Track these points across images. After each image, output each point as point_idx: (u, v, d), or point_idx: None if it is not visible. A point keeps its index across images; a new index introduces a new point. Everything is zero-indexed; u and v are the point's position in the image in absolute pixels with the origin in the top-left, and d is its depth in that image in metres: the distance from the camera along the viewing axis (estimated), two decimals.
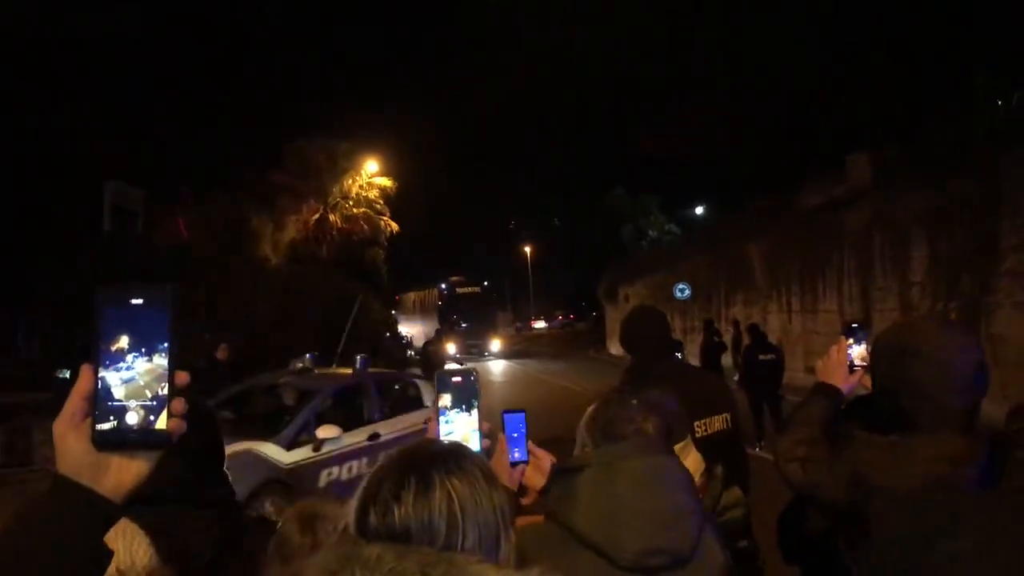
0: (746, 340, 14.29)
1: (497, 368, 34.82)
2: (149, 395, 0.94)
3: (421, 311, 50.40)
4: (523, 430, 2.07)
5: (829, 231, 19.66)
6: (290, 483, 7.60)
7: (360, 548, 0.87)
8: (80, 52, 21.04)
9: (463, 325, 42.73)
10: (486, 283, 50.81)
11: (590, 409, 1.96)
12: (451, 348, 39.04)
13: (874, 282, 17.68)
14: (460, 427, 1.62)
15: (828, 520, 2.06)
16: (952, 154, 15.11)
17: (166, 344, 0.94)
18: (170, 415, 0.95)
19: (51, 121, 17.67)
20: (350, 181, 33.20)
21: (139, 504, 1.66)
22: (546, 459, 2.10)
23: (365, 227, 33.43)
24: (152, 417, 0.94)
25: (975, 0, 22.62)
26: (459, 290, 47.27)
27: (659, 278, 33.01)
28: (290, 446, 7.94)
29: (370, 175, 33.83)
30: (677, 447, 2.13)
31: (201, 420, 2.19)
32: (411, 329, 44.25)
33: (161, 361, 0.94)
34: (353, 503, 1.08)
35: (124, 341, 0.93)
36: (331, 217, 32.41)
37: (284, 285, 19.09)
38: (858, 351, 2.32)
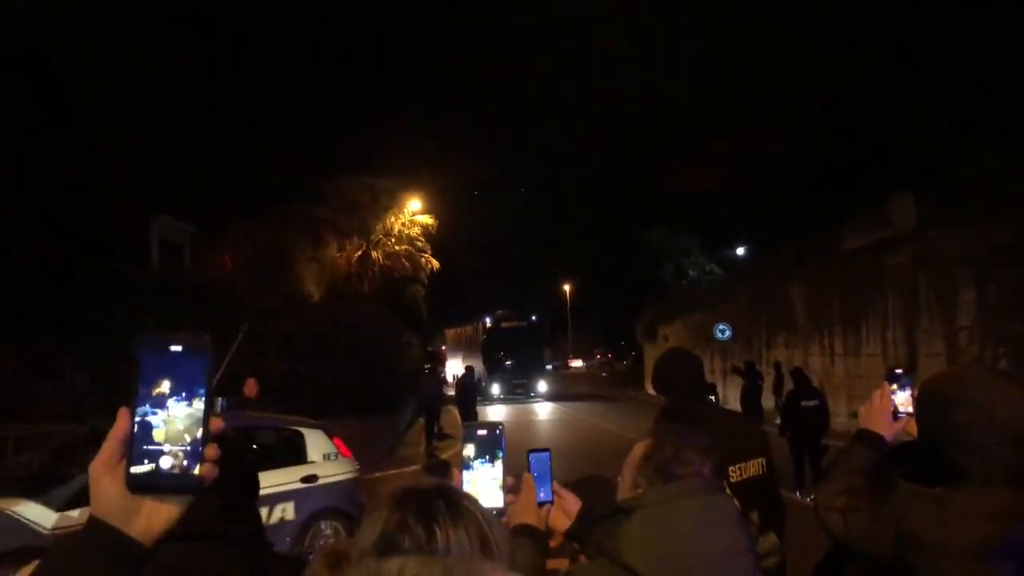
0: (789, 384, 13.83)
1: (543, 410, 33.14)
2: (184, 440, 0.96)
3: (466, 347, 46.24)
4: (548, 470, 2.05)
5: (872, 272, 19.38)
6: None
7: (382, 564, 0.87)
8: (129, 87, 21.74)
9: (508, 363, 39.27)
10: (534, 317, 45.27)
11: (640, 449, 1.96)
12: (495, 388, 38.44)
13: (919, 325, 17.35)
14: (482, 479, 1.61)
15: (869, 574, 1.99)
16: (999, 194, 14.86)
17: (203, 390, 0.97)
18: (203, 460, 0.96)
19: (101, 155, 18.21)
20: (393, 218, 33.59)
21: (164, 541, 1.69)
22: (571, 501, 2.06)
23: (407, 264, 33.73)
24: (186, 462, 0.96)
25: (1022, 39, 22.37)
26: (504, 324, 41.65)
27: (699, 318, 32.74)
28: (66, 506, 6.67)
29: (412, 213, 34.21)
30: None
31: (229, 457, 2.22)
32: (454, 366, 43.33)
33: (198, 407, 0.96)
34: (368, 540, 1.07)
35: (164, 386, 0.96)
36: (373, 254, 32.76)
37: (325, 320, 19.27)
38: (902, 397, 2.27)
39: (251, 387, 11.96)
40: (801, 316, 23.85)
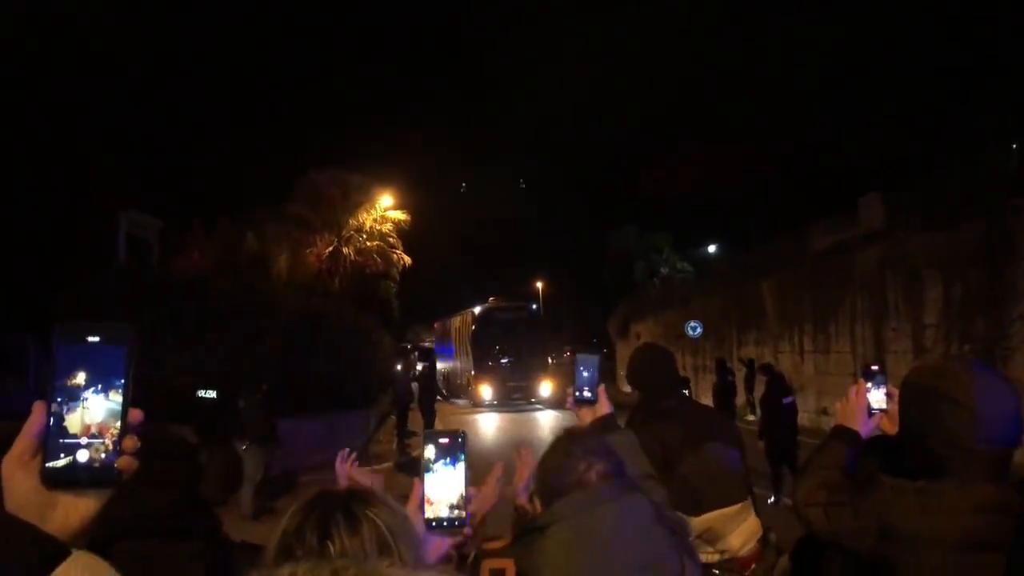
0: (760, 382, 13.12)
1: (547, 423, 25.12)
2: (102, 433, 0.93)
3: (456, 342, 36.93)
4: (597, 372, 2.50)
5: (841, 272, 19.61)
6: None
7: (274, 571, 0.83)
8: (96, 83, 21.39)
9: (504, 360, 31.10)
10: (534, 305, 37.38)
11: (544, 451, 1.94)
12: (485, 391, 30.08)
13: (887, 324, 17.59)
14: (444, 483, 1.56)
15: (850, 568, 1.99)
16: (965, 197, 15.10)
17: (122, 381, 0.94)
18: (122, 452, 0.94)
19: (68, 150, 17.90)
20: (364, 214, 33.42)
21: (125, 538, 1.65)
22: (605, 406, 2.41)
23: (378, 260, 33.58)
24: (104, 455, 0.93)
25: (989, 47, 22.75)
26: (497, 313, 32.92)
27: (671, 316, 32.94)
28: None
29: (384, 209, 34.06)
30: (734, 508, 2.11)
31: (183, 452, 2.20)
32: (446, 363, 37.52)
33: (116, 398, 0.93)
34: (269, 550, 1.07)
35: (80, 377, 0.93)
36: (344, 250, 32.57)
37: (295, 317, 19.10)
38: (876, 395, 2.28)
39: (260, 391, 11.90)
40: (771, 314, 24.07)
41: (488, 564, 1.97)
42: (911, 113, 22.98)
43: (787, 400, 11.27)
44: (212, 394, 12.60)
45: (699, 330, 25.30)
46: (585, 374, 2.46)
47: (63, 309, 13.34)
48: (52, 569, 0.92)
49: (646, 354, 3.76)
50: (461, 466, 1.57)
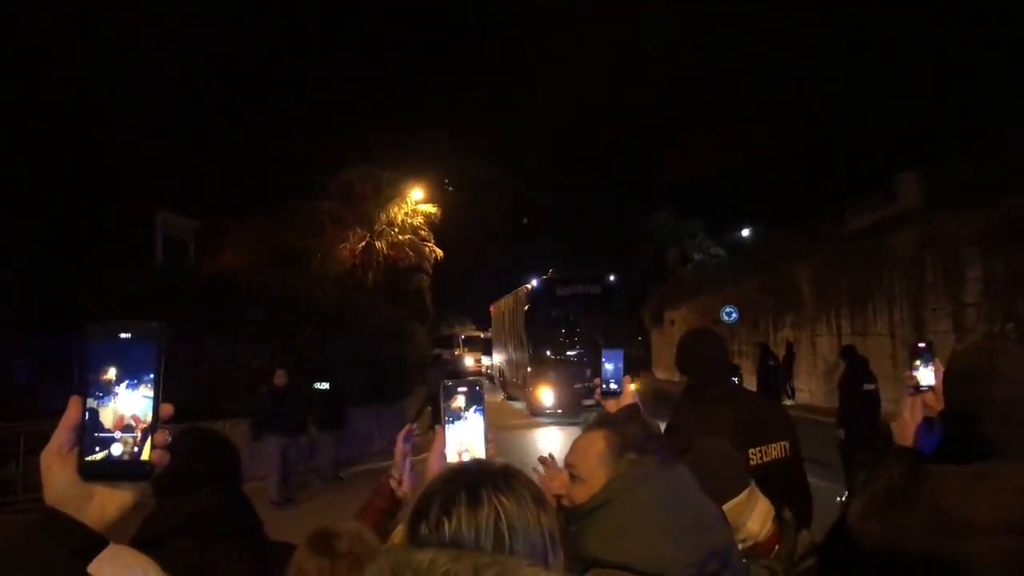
0: (841, 366, 11.32)
1: None
2: (134, 427, 0.96)
3: (508, 329, 29.28)
4: (620, 365, 2.69)
5: (879, 252, 19.32)
6: None
7: (412, 554, 0.87)
8: (131, 84, 21.72)
9: (570, 353, 22.30)
10: (611, 276, 24.51)
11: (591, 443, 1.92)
12: (545, 396, 21.58)
13: (926, 304, 17.30)
14: (465, 432, 1.62)
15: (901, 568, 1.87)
16: (1005, 173, 14.77)
17: (152, 377, 0.97)
18: (153, 446, 0.97)
19: (104, 151, 18.20)
20: (396, 208, 33.56)
21: (174, 538, 1.69)
22: (629, 397, 2.62)
23: (410, 254, 33.72)
24: (137, 448, 0.96)
25: None
26: (562, 289, 23.70)
27: (705, 302, 32.70)
28: None
29: (415, 202, 34.17)
30: (743, 496, 2.10)
31: (224, 446, 2.23)
32: (503, 356, 31.90)
33: (147, 393, 0.97)
34: (405, 517, 1.10)
35: (112, 373, 0.96)
36: (377, 244, 32.75)
37: (331, 312, 19.30)
38: (925, 373, 2.25)
39: (280, 377, 12.11)
40: (808, 297, 23.80)
41: None
42: (948, 87, 22.51)
43: (868, 387, 10.05)
44: (325, 386, 13.53)
45: (735, 315, 25.06)
46: (610, 367, 2.70)
47: (103, 311, 13.59)
48: (90, 559, 0.96)
49: (696, 339, 3.70)
50: (480, 415, 1.62)
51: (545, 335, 22.78)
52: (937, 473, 1.84)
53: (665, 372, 36.82)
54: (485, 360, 43.57)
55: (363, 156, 33.24)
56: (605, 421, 1.98)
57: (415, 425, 2.72)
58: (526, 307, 24.31)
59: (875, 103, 25.95)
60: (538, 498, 1.13)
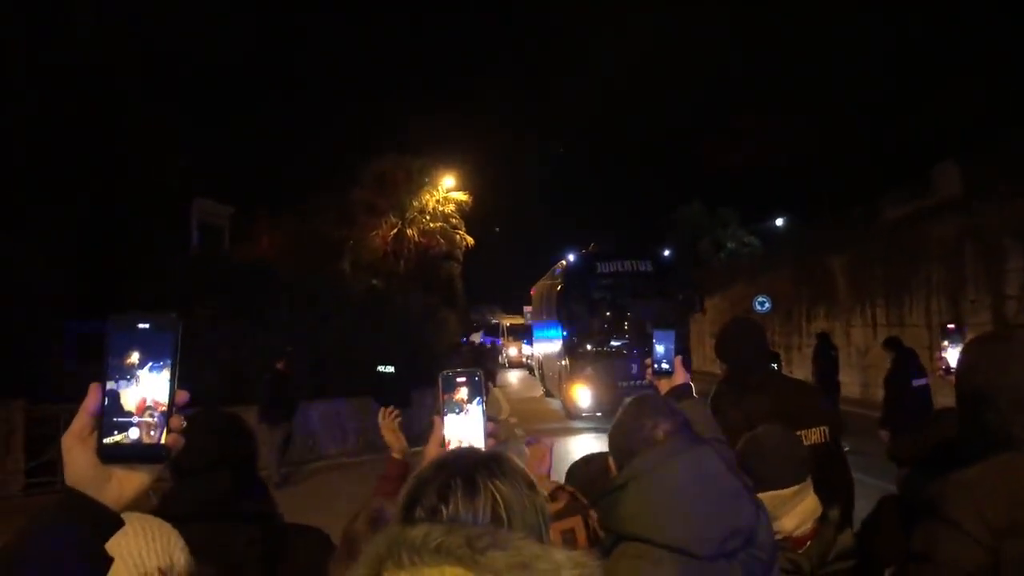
0: (887, 360, 10.36)
1: None
2: (151, 412, 1.01)
3: (546, 314, 24.40)
4: (673, 345, 2.67)
5: (916, 243, 19.00)
6: None
7: (407, 530, 0.88)
8: (167, 73, 21.96)
9: (613, 344, 18.31)
10: (666, 251, 20.83)
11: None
12: (582, 395, 17.81)
13: (965, 295, 17.00)
14: (465, 422, 1.61)
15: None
16: None
17: (169, 364, 1.02)
18: (169, 431, 1.02)
19: (141, 138, 18.46)
20: (427, 196, 33.68)
21: (189, 521, 1.72)
22: (681, 376, 2.58)
23: (442, 241, 33.84)
24: (153, 432, 1.01)
25: None
26: (604, 268, 19.62)
27: (738, 291, 32.41)
28: None
29: (446, 190, 34.26)
30: (792, 490, 2.09)
31: (240, 430, 2.26)
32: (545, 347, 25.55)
33: (164, 380, 1.02)
34: (397, 506, 1.11)
35: (132, 360, 1.01)
36: (408, 232, 32.91)
37: (363, 299, 19.44)
38: (954, 354, 2.22)
39: (282, 363, 12.54)
40: (842, 287, 23.50)
41: (557, 527, 2.00)
42: (988, 77, 22.01)
43: (919, 382, 9.12)
44: (391, 369, 13.66)
45: (767, 305, 24.78)
46: (661, 348, 2.68)
47: (142, 297, 13.82)
48: (108, 537, 1.02)
49: (736, 327, 3.75)
50: (479, 405, 1.62)
51: (582, 322, 18.61)
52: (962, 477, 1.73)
53: (696, 362, 36.56)
54: (526, 350, 39.37)
55: (395, 143, 33.41)
56: (638, 401, 2.03)
57: (394, 409, 2.87)
58: (559, 288, 19.97)
59: (913, 91, 25.46)
60: (529, 482, 1.14)
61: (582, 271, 19.49)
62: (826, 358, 14.67)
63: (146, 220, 17.65)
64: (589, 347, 18.25)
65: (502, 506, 1.08)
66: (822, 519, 2.18)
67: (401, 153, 32.97)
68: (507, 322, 49.24)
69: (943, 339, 2.21)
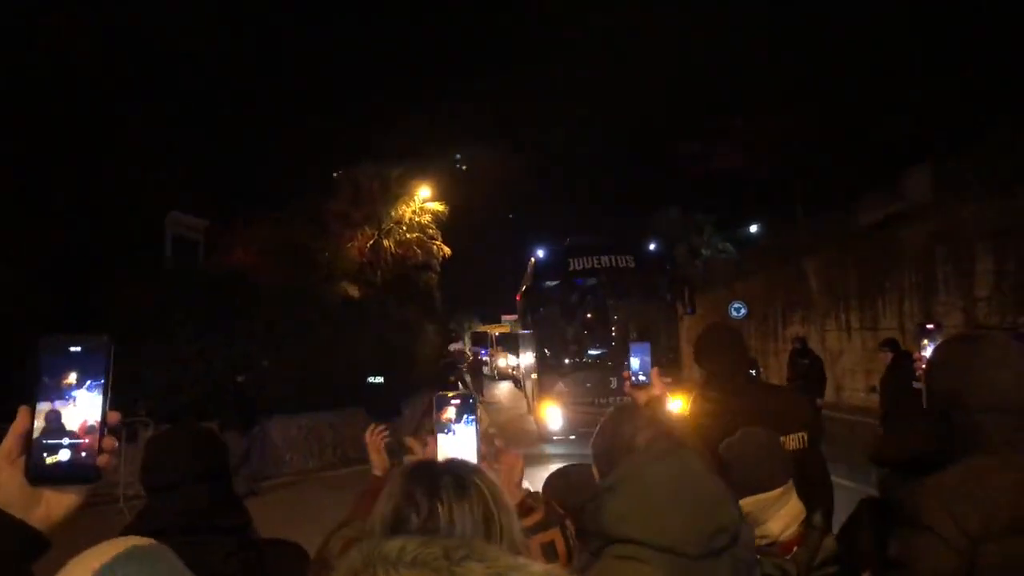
0: (887, 361, 10.00)
1: None
2: (84, 434, 1.01)
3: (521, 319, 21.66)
4: (648, 357, 2.81)
5: (888, 247, 19.25)
6: None
7: (383, 544, 0.87)
8: (138, 84, 21.80)
9: (592, 353, 15.36)
10: (652, 245, 16.66)
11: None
12: (552, 416, 14.84)
13: (937, 298, 17.23)
14: (461, 442, 1.64)
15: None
16: (1018, 164, 14.69)
17: (101, 386, 1.03)
18: (102, 451, 1.02)
19: (113, 151, 18.29)
20: (403, 207, 33.62)
21: (165, 535, 1.71)
22: (659, 388, 2.76)
23: (418, 252, 33.77)
24: (84, 454, 1.01)
25: None
26: (577, 264, 15.59)
27: (714, 297, 32.61)
28: None
29: (423, 200, 34.22)
30: (776, 492, 2.11)
31: (214, 444, 2.25)
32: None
33: (96, 401, 1.02)
34: (379, 514, 1.11)
35: (63, 382, 1.02)
36: (385, 242, 32.82)
37: (340, 310, 19.34)
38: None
39: (242, 376, 13.00)
40: (816, 292, 23.73)
41: (536, 539, 2.02)
42: (958, 81, 22.35)
43: (919, 384, 8.65)
44: (380, 379, 14.03)
45: (743, 311, 24.99)
46: (637, 360, 2.84)
47: (115, 311, 13.66)
48: (34, 559, 1.02)
49: (713, 334, 3.79)
50: (473, 427, 1.65)
51: (552, 329, 15.65)
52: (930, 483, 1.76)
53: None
54: (512, 361, 36.60)
55: (371, 154, 33.33)
56: (620, 410, 2.10)
57: (382, 427, 2.93)
58: (524, 289, 17.35)
59: (884, 96, 25.78)
60: (498, 499, 1.14)
61: (551, 269, 16.09)
62: (797, 367, 13.78)
63: (120, 235, 17.47)
64: (560, 358, 15.30)
65: (491, 500, 1.10)
66: (807, 524, 2.20)
67: (376, 163, 32.92)
68: (496, 331, 48.07)
69: (922, 338, 2.24)
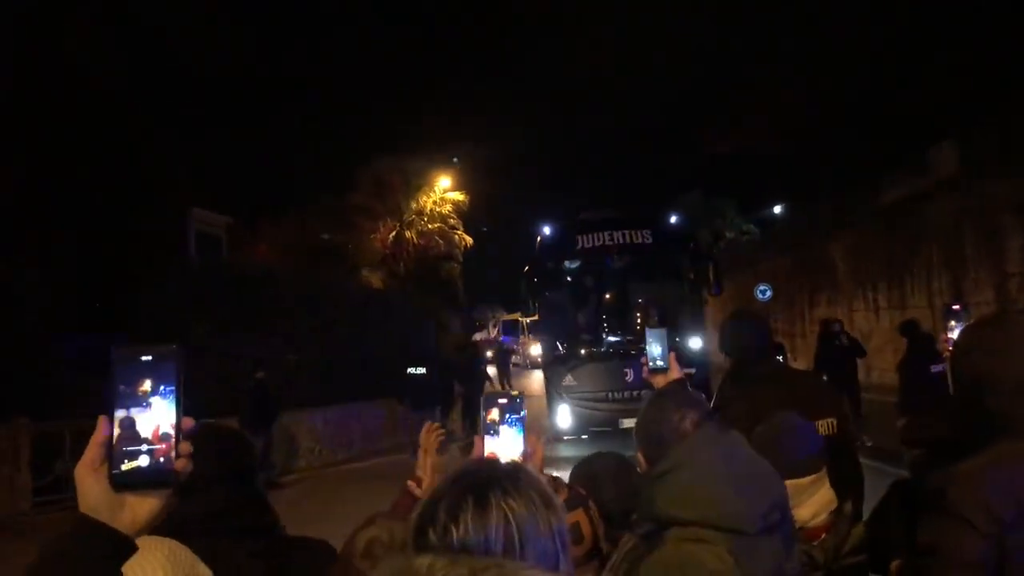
0: (903, 344, 9.84)
1: None
2: (159, 440, 1.07)
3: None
4: (665, 342, 2.80)
5: (915, 224, 18.99)
6: None
7: (412, 560, 0.87)
8: (162, 83, 21.96)
9: (611, 340, 13.42)
10: (673, 217, 14.79)
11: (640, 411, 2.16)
12: (561, 414, 13.05)
13: (966, 275, 16.98)
14: (505, 444, 1.63)
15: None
16: None
17: (174, 393, 1.08)
18: (178, 456, 1.08)
19: (137, 150, 18.45)
20: (424, 197, 33.69)
21: (190, 537, 1.72)
22: (676, 372, 2.76)
23: (440, 242, 33.83)
24: (162, 459, 1.07)
25: None
26: (587, 242, 13.49)
27: (738, 280, 32.37)
28: None
29: (443, 190, 34.26)
30: (808, 479, 2.10)
31: (240, 443, 2.25)
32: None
33: (171, 408, 1.08)
34: (410, 522, 1.10)
35: (137, 391, 1.07)
36: (407, 234, 32.90)
37: (364, 303, 19.43)
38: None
39: (261, 374, 12.78)
40: (843, 272, 23.48)
41: None
42: (984, 54, 21.94)
43: (936, 368, 8.48)
44: (422, 370, 13.84)
45: (768, 293, 24.75)
46: (656, 347, 2.81)
47: (140, 309, 13.80)
48: (123, 561, 1.07)
49: (739, 320, 3.77)
50: (520, 427, 1.64)
51: (559, 316, 13.94)
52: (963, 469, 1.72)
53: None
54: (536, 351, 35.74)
55: (391, 146, 33.40)
56: (663, 395, 2.13)
57: (439, 424, 2.77)
58: (526, 270, 14.84)
59: (908, 72, 25.39)
60: (548, 500, 1.11)
61: (557, 247, 14.16)
62: (830, 349, 12.85)
63: (145, 233, 17.66)
64: (569, 349, 13.34)
65: (514, 527, 1.05)
66: (837, 512, 2.17)
67: (397, 156, 32.98)
68: (527, 319, 48.13)
69: (948, 319, 2.19)
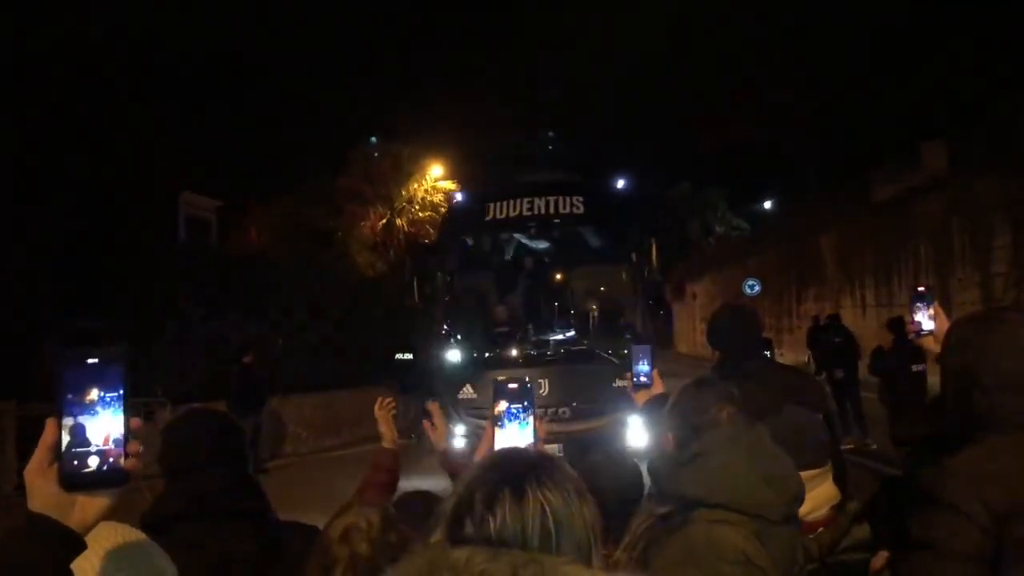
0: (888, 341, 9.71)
1: None
2: (109, 440, 1.09)
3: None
4: (650, 358, 2.90)
5: (904, 221, 19.07)
6: None
7: (449, 553, 0.88)
8: (151, 65, 21.79)
9: (524, 350, 8.81)
10: (620, 182, 10.61)
11: (672, 397, 2.24)
12: (457, 440, 7.85)
13: (953, 273, 17.08)
14: (516, 432, 1.61)
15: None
16: None
17: (122, 394, 1.10)
18: (127, 456, 1.09)
19: (127, 132, 18.30)
20: (416, 185, 33.56)
21: (180, 521, 1.73)
22: (658, 386, 2.84)
23: (431, 231, 33.74)
24: (111, 460, 1.09)
25: None
26: (500, 211, 9.22)
27: (728, 274, 32.50)
28: None
29: (434, 179, 34.14)
30: (808, 474, 2.12)
31: (228, 427, 2.25)
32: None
33: (118, 409, 1.10)
34: (444, 512, 1.08)
35: (85, 394, 1.08)
36: (398, 221, 32.80)
37: (354, 289, 19.38)
38: (924, 317, 2.30)
39: (248, 357, 12.59)
40: (831, 268, 23.58)
41: None
42: (973, 52, 22.01)
43: (918, 367, 8.51)
44: (409, 356, 14.18)
45: (757, 288, 24.85)
46: (642, 365, 2.93)
47: (129, 293, 13.74)
48: (73, 558, 1.09)
49: (728, 314, 3.78)
50: (531, 415, 1.63)
51: (460, 309, 9.88)
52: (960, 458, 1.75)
53: (687, 347, 36.60)
54: None
55: (382, 131, 33.26)
56: (701, 384, 2.23)
57: (389, 399, 2.90)
58: (430, 247, 12.99)
59: (899, 69, 25.46)
60: (580, 490, 1.10)
61: (464, 220, 10.56)
62: (825, 345, 12.69)
63: (133, 216, 17.53)
64: (476, 351, 9.17)
65: (551, 519, 1.03)
66: (839, 508, 2.20)
67: (387, 141, 32.84)
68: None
69: (915, 303, 2.23)
